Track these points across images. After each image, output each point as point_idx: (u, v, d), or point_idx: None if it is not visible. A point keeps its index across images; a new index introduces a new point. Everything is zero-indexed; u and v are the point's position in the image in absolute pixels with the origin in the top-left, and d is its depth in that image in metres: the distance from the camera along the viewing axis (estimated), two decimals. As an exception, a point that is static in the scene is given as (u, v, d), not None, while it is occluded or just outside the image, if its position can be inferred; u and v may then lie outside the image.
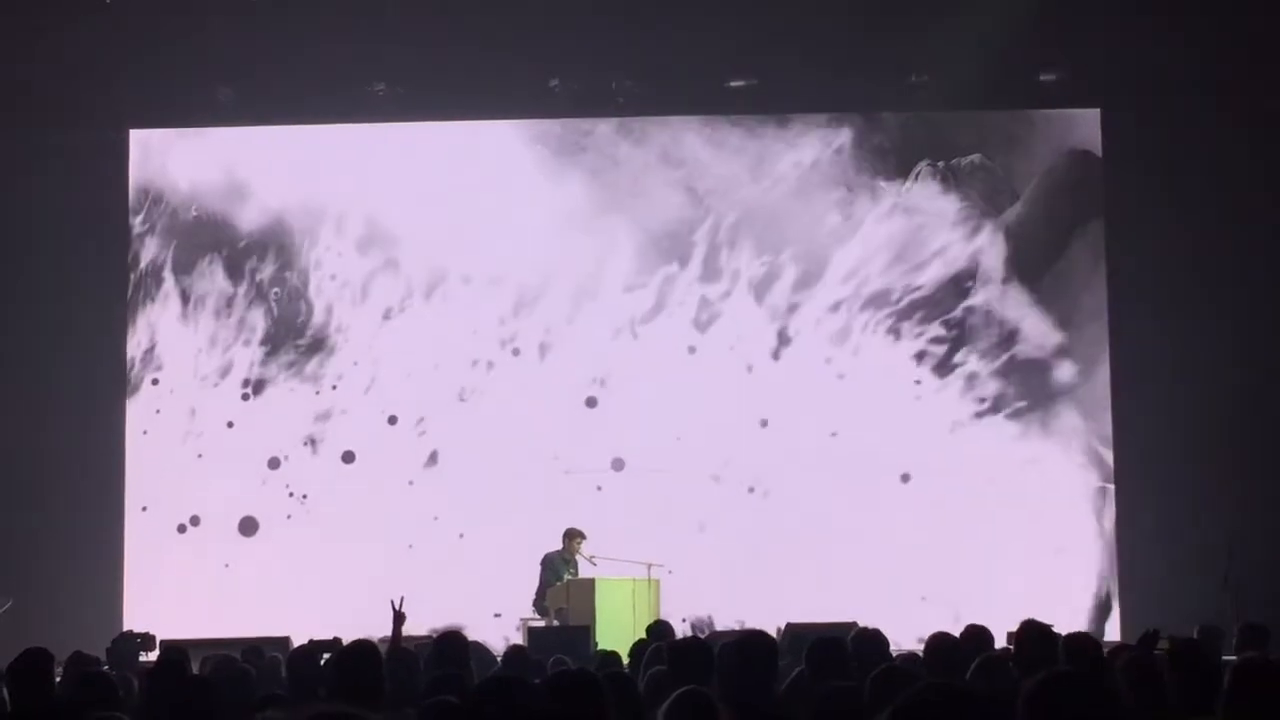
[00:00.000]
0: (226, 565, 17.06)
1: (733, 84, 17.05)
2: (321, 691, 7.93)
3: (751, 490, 17.03)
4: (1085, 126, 17.20)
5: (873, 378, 17.08)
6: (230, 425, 17.26)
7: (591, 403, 17.16)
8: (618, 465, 17.07)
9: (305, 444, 17.22)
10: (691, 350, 17.20)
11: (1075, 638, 7.86)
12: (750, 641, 7.18)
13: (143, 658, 12.42)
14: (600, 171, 17.32)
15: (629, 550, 14.71)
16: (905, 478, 16.92)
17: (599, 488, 17.02)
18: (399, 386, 17.26)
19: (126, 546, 17.12)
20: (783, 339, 17.19)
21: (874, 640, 8.08)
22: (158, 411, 17.28)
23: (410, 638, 12.40)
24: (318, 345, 17.33)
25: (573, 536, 15.26)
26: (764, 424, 17.06)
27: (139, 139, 17.42)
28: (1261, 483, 16.30)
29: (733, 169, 17.30)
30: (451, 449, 17.16)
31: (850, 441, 16.95)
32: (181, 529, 17.13)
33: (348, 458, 17.21)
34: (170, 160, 17.42)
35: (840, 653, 7.58)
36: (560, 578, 14.97)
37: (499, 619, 16.25)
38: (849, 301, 17.17)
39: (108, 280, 17.35)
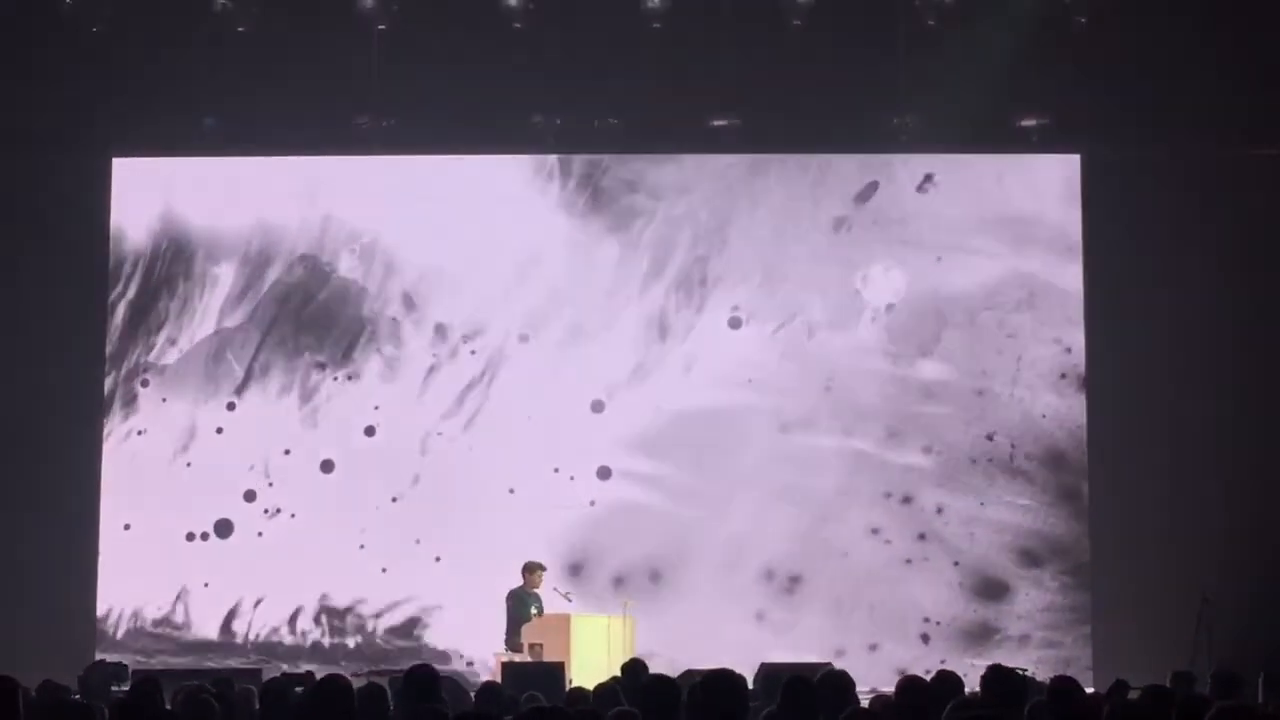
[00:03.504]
0: (206, 585, 17.01)
1: (716, 123, 17.10)
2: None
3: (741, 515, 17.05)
4: (1065, 171, 17.28)
5: (865, 411, 17.17)
6: (219, 431, 17.22)
7: (597, 406, 17.14)
8: (604, 474, 17.04)
9: (286, 455, 17.16)
10: (687, 370, 17.22)
11: (1060, 680, 7.85)
12: (718, 680, 7.12)
13: (115, 688, 12.38)
14: (599, 202, 17.41)
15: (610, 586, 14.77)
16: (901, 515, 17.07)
17: (592, 502, 16.99)
18: (391, 402, 17.24)
19: (101, 564, 17.03)
20: (781, 367, 17.23)
21: (837, 682, 8.06)
22: (141, 432, 17.25)
23: (381, 671, 12.38)
24: (306, 360, 17.34)
25: (532, 570, 15.15)
26: (763, 450, 17.12)
27: (130, 166, 17.44)
28: (1235, 531, 16.35)
29: (728, 200, 17.38)
30: (436, 466, 17.15)
31: (844, 474, 17.07)
32: (190, 538, 17.03)
33: (327, 466, 17.15)
34: (156, 188, 17.47)
35: (809, 694, 7.57)
36: (529, 612, 14.90)
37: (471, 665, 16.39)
38: (840, 335, 17.21)
39: (90, 303, 17.35)
